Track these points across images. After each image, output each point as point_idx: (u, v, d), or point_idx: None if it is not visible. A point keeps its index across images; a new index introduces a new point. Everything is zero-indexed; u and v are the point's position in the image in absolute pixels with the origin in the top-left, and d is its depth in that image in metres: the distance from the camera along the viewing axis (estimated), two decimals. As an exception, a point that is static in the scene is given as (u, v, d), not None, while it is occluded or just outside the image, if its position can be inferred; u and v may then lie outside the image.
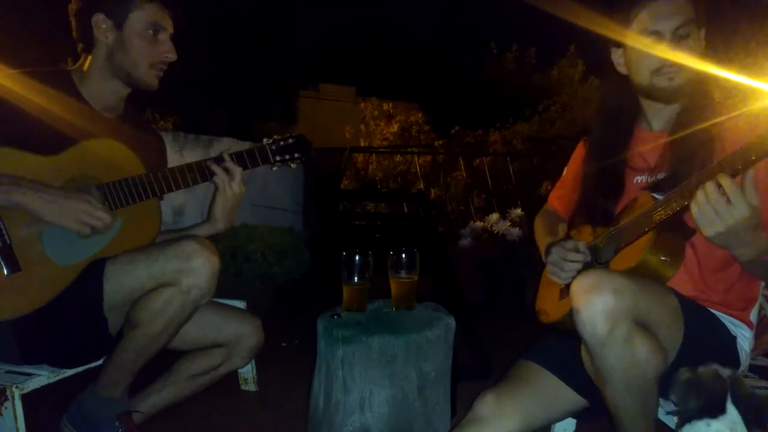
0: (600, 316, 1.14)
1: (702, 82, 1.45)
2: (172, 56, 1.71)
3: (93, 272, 1.54)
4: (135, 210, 1.63)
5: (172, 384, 1.80)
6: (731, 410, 1.09)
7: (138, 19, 1.64)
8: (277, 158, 1.75)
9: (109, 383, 1.61)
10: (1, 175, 1.45)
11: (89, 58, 1.68)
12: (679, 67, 1.42)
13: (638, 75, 1.49)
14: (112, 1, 1.62)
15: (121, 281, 1.53)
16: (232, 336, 1.81)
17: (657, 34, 1.42)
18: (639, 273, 1.30)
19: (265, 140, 1.76)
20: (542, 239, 1.71)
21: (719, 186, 1.13)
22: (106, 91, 1.70)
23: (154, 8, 1.66)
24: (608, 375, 1.19)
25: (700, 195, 1.15)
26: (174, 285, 1.51)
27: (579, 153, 1.74)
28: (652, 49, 1.44)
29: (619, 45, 1.54)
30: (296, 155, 1.77)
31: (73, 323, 1.55)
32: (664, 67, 1.43)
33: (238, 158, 1.71)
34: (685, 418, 1.13)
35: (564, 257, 1.51)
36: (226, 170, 1.68)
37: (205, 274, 1.52)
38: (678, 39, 1.42)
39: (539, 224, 1.80)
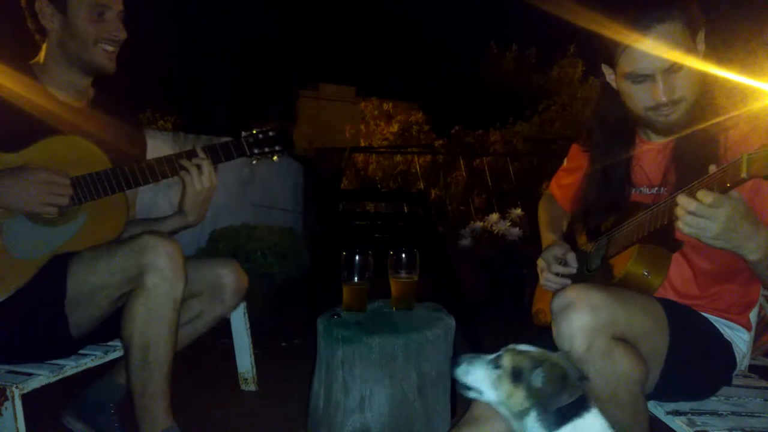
0: (577, 333, 1.16)
1: (704, 94, 1.35)
2: (121, 35, 1.65)
3: (56, 267, 1.53)
4: (101, 204, 1.60)
5: None
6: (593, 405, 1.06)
7: (79, 1, 1.59)
8: (255, 151, 1.70)
9: (148, 418, 1.55)
10: None
11: (44, 47, 1.65)
12: (675, 104, 1.33)
13: (631, 106, 1.40)
14: None
15: (83, 278, 1.52)
16: (206, 283, 1.76)
17: (645, 77, 1.32)
18: (626, 284, 1.32)
19: (243, 133, 1.72)
20: (544, 233, 1.72)
21: (695, 200, 1.12)
22: (67, 79, 1.67)
23: None
24: (591, 389, 1.20)
25: (679, 210, 1.14)
26: (141, 287, 1.50)
27: (579, 150, 1.70)
28: (644, 92, 1.34)
29: (608, 64, 1.42)
30: (276, 148, 1.73)
31: (32, 318, 1.53)
32: (659, 107, 1.34)
33: (212, 151, 1.68)
34: (553, 423, 1.04)
35: (548, 266, 1.54)
36: (196, 165, 1.64)
37: (165, 266, 1.50)
38: (671, 74, 1.30)
39: (542, 212, 1.80)
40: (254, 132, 1.71)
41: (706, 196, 1.11)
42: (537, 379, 1.07)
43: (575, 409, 1.04)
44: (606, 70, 1.45)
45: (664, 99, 1.32)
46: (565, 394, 1.04)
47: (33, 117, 1.57)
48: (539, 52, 17.60)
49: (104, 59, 1.65)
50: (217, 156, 1.68)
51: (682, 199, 1.13)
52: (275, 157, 1.74)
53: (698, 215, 1.12)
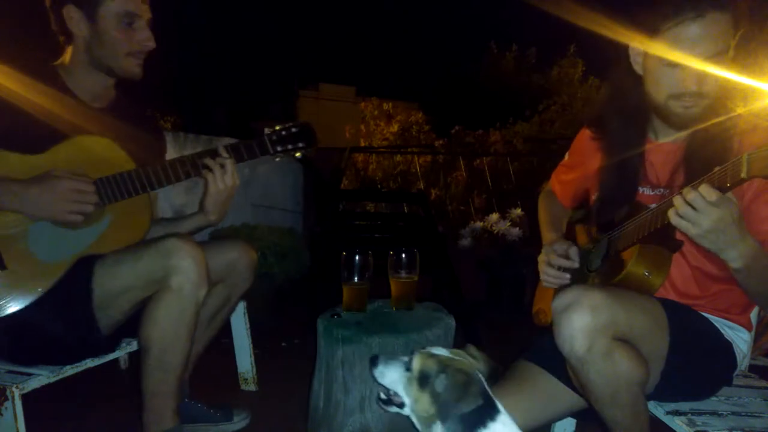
0: (578, 334, 1.15)
1: (722, 97, 1.34)
2: (151, 44, 1.64)
3: (82, 270, 1.53)
4: (125, 206, 1.60)
5: (199, 334, 1.73)
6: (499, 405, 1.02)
7: (109, 10, 1.58)
8: (278, 148, 1.68)
9: (155, 418, 1.56)
10: None
11: (70, 50, 1.64)
12: (700, 97, 1.32)
13: (654, 91, 1.37)
14: None
15: (108, 281, 1.52)
16: (225, 268, 1.78)
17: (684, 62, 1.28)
18: (626, 284, 1.32)
19: (266, 129, 1.69)
20: (545, 233, 1.72)
21: (696, 191, 1.12)
22: (91, 82, 1.66)
23: None
24: (592, 389, 1.20)
25: (677, 199, 1.14)
26: (165, 289, 1.51)
27: (583, 141, 1.67)
28: (675, 76, 1.31)
29: (641, 42, 1.37)
30: (300, 144, 1.70)
31: (63, 321, 1.53)
32: (684, 96, 1.32)
33: (235, 150, 1.66)
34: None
35: (549, 261, 1.54)
36: (220, 164, 1.64)
37: (190, 268, 1.51)
38: (708, 65, 1.27)
39: (542, 210, 1.79)
40: (277, 128, 1.69)
41: (709, 193, 1.10)
42: (440, 384, 1.03)
43: (480, 418, 1.00)
44: (633, 50, 1.41)
45: (693, 88, 1.30)
46: (464, 402, 0.99)
47: (58, 118, 1.57)
48: (539, 52, 17.62)
49: (134, 67, 1.65)
50: (240, 155, 1.67)
51: (684, 191, 1.13)
52: (297, 154, 1.71)
53: (695, 208, 1.12)
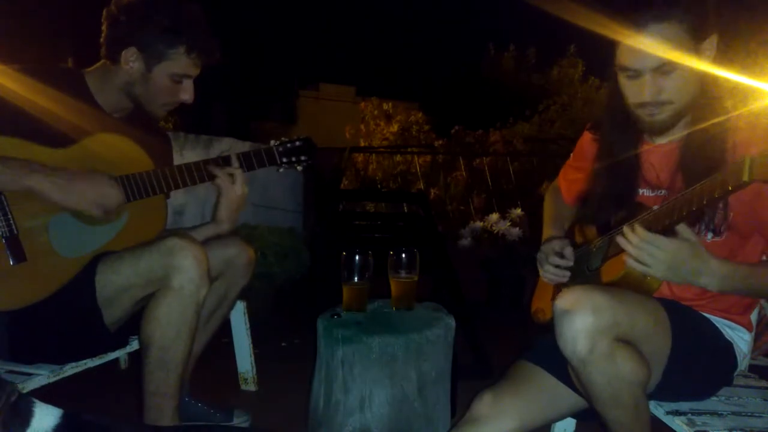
0: (580, 335, 1.16)
1: (704, 97, 1.35)
2: (190, 100, 1.68)
3: (92, 267, 1.54)
4: (142, 205, 1.63)
5: (198, 331, 1.74)
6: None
7: (169, 67, 1.61)
8: (284, 160, 1.75)
9: (155, 416, 1.56)
10: (12, 158, 1.44)
11: (107, 67, 1.65)
12: (662, 105, 1.33)
13: (625, 100, 1.40)
14: (150, 43, 1.58)
15: (109, 278, 1.53)
16: (223, 265, 1.79)
17: (636, 72, 1.32)
18: (624, 284, 1.32)
19: (272, 141, 1.76)
20: (545, 228, 1.73)
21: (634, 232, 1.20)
22: (116, 100, 1.68)
23: (189, 62, 1.63)
24: (593, 391, 1.20)
25: (627, 246, 1.22)
26: (167, 287, 1.51)
27: (585, 144, 1.68)
28: (633, 87, 1.35)
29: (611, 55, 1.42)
30: (302, 158, 1.78)
31: (69, 317, 1.54)
32: (645, 105, 1.35)
33: (245, 158, 1.71)
34: None
35: (547, 258, 1.56)
36: (230, 174, 1.69)
37: (192, 267, 1.52)
38: (660, 75, 1.30)
39: (547, 206, 1.80)
40: (283, 140, 1.76)
41: (646, 236, 1.20)
42: None
43: (25, 410, 0.95)
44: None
45: (648, 98, 1.33)
46: None
47: (81, 120, 1.59)
48: (539, 52, 17.61)
49: (162, 113, 1.70)
50: (250, 163, 1.72)
51: (627, 234, 1.22)
52: (299, 167, 1.78)
53: (647, 252, 1.21)
